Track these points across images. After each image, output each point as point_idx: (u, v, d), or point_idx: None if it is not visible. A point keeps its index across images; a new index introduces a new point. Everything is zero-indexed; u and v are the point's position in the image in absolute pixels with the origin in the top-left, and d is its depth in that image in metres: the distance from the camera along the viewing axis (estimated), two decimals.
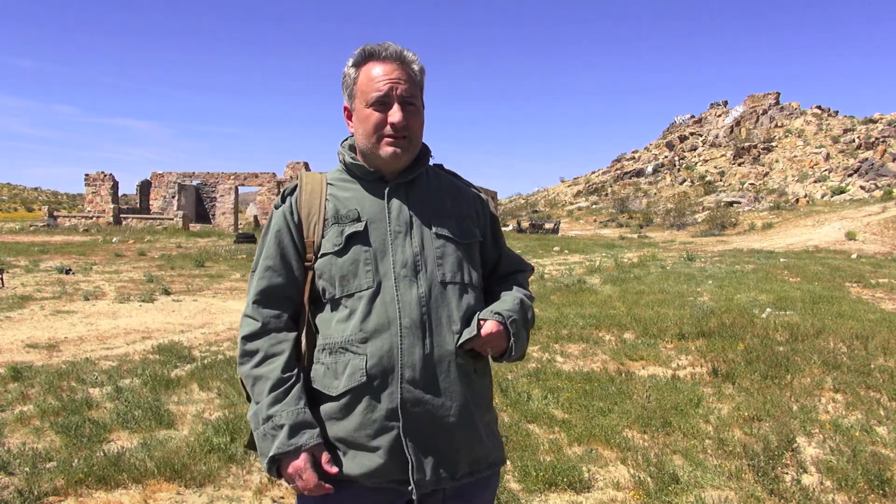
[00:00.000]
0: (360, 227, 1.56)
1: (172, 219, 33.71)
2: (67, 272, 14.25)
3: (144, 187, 39.90)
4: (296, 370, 1.55)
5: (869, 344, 6.61)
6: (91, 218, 34.98)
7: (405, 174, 1.62)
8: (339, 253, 1.55)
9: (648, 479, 3.49)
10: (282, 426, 1.47)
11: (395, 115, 1.54)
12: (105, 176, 36.63)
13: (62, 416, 4.44)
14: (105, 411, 4.60)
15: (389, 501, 1.53)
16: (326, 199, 1.61)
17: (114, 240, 25.33)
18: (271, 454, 1.47)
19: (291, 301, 1.61)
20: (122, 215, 35.55)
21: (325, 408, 1.54)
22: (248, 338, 1.57)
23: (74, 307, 9.74)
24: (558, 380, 5.38)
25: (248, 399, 1.58)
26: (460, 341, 1.54)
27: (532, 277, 1.91)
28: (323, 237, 1.58)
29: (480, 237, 1.70)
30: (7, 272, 13.14)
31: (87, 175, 36.79)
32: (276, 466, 1.49)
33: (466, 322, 1.57)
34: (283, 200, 1.65)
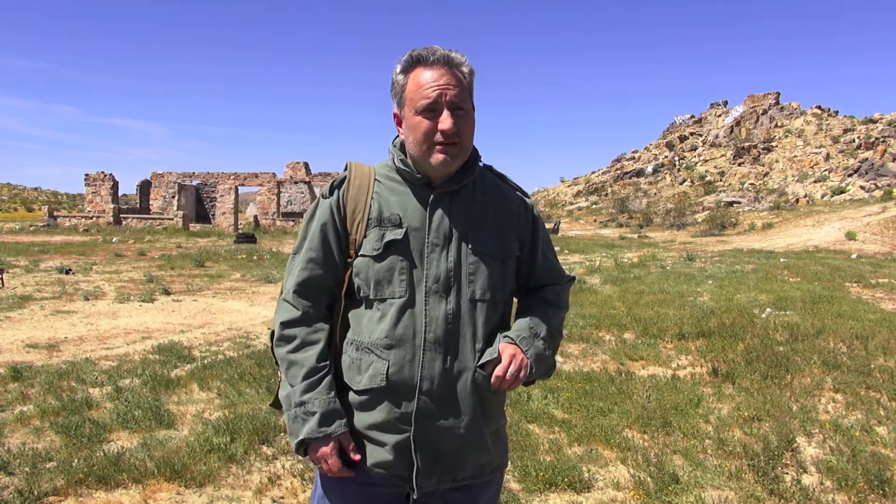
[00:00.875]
0: (399, 233, 1.57)
1: (172, 219, 33.71)
2: (67, 272, 14.25)
3: (144, 187, 39.92)
4: (328, 361, 1.60)
5: (869, 344, 6.61)
6: (91, 218, 34.98)
7: (452, 182, 1.60)
8: (377, 258, 1.57)
9: (648, 479, 3.49)
10: (313, 413, 1.54)
11: (444, 121, 1.51)
12: (105, 176, 36.64)
13: (62, 416, 4.44)
14: (105, 411, 4.60)
15: (392, 491, 1.62)
16: (372, 198, 1.62)
17: (114, 240, 25.34)
18: (301, 437, 1.55)
19: (329, 291, 1.65)
20: (122, 215, 35.56)
21: (348, 396, 1.61)
22: (286, 324, 1.62)
23: (74, 307, 9.74)
24: (558, 380, 5.38)
25: (277, 365, 1.65)
26: (481, 361, 1.58)
27: None
28: (364, 237, 1.60)
29: (517, 251, 1.69)
30: (7, 272, 13.14)
31: (87, 175, 36.81)
32: (305, 448, 1.58)
33: (490, 340, 1.61)
34: (331, 192, 1.65)
